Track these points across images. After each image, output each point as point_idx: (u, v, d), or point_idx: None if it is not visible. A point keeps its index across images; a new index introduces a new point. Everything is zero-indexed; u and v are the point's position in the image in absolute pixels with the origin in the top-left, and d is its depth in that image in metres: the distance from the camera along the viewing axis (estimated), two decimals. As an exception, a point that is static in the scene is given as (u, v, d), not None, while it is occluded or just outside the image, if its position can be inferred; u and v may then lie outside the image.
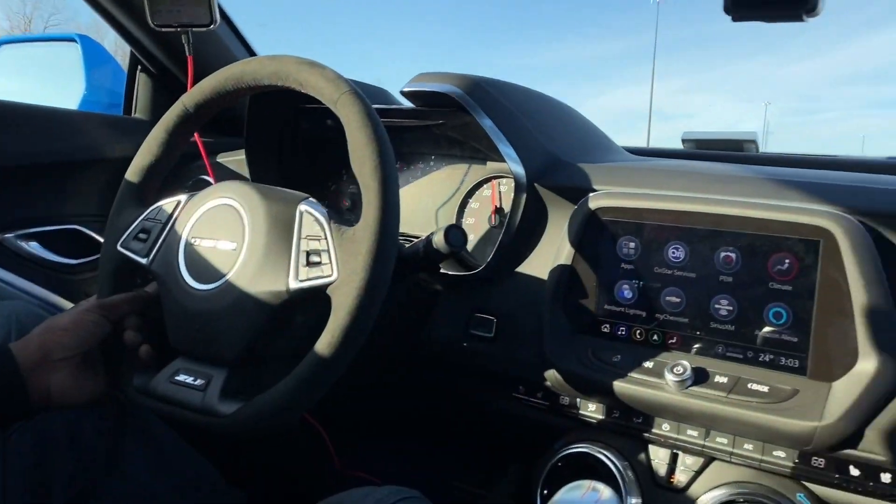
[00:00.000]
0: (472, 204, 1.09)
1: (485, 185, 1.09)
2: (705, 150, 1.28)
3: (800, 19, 0.64)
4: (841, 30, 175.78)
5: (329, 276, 0.64)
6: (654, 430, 0.79)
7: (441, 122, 1.09)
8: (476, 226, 1.08)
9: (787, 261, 0.73)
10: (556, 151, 0.96)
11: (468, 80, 0.96)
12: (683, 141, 1.35)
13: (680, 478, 0.79)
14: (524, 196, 0.90)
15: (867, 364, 0.66)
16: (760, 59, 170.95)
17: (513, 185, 0.91)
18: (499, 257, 0.91)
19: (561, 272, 0.85)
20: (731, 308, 0.75)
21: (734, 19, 0.65)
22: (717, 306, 0.76)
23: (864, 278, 0.69)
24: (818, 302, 0.71)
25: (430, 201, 1.14)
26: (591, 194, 0.86)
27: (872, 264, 0.70)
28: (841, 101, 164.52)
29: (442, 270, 0.94)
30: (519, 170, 0.90)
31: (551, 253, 0.87)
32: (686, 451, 0.79)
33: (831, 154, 1.30)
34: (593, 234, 0.84)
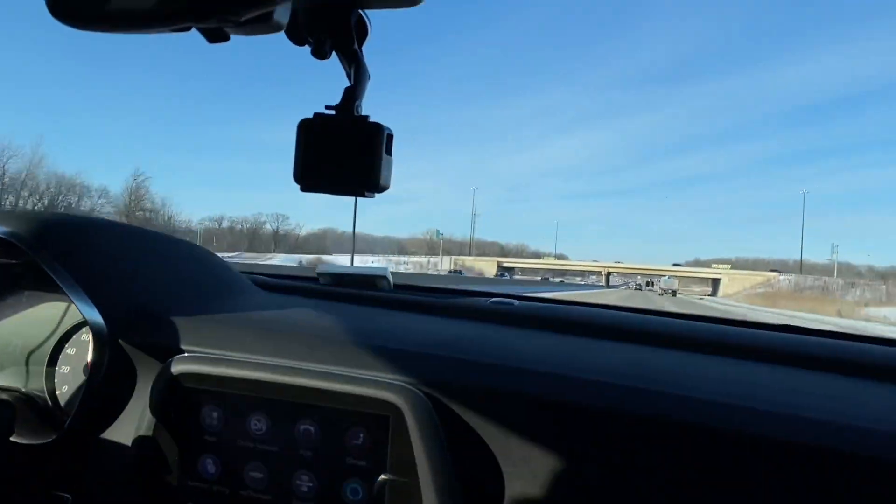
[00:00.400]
0: (69, 350, 0.96)
1: (83, 329, 0.96)
2: (339, 286, 1.31)
3: (362, 195, 0.77)
4: (543, 130, 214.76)
5: None
6: None
7: (16, 262, 0.97)
8: (71, 376, 0.94)
9: (361, 435, 0.73)
10: (148, 302, 0.91)
11: (39, 220, 0.88)
12: (319, 275, 1.37)
13: None
14: (107, 351, 0.83)
15: None
16: (479, 150, 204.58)
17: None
18: (78, 421, 0.82)
19: (141, 443, 0.79)
20: (311, 484, 0.75)
21: (302, 189, 0.76)
22: (298, 482, 0.75)
23: (429, 456, 0.71)
24: (389, 479, 0.72)
25: (19, 343, 0.97)
26: (174, 357, 0.81)
27: (437, 441, 0.72)
28: (542, 190, 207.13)
29: (12, 438, 0.81)
30: (98, 321, 0.83)
31: (136, 420, 0.81)
32: None
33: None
34: (176, 401, 0.79)
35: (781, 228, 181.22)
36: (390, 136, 0.77)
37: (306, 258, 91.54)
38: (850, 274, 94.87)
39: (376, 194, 0.77)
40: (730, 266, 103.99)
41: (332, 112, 0.76)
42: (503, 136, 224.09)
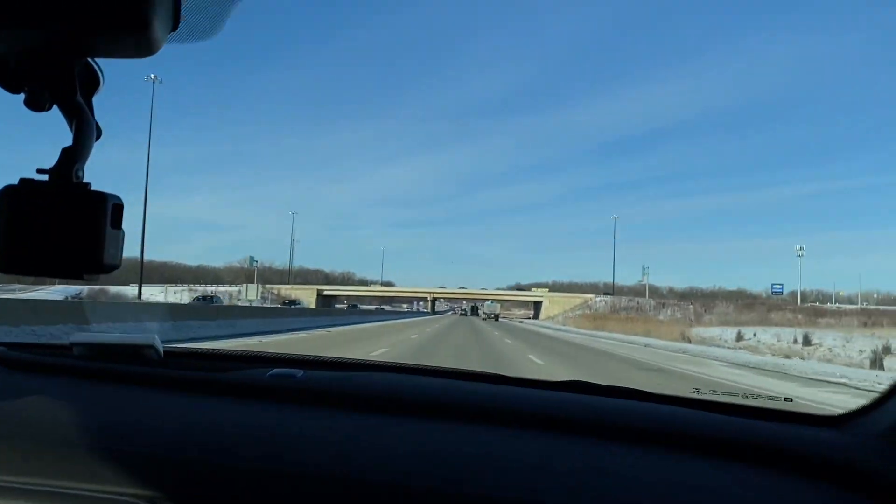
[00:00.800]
0: None
1: None
2: (98, 358, 1.14)
3: (80, 277, 0.66)
4: (368, 160, 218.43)
5: None
6: None
7: None
8: None
9: None
10: None
11: None
12: (73, 345, 1.19)
13: None
14: None
15: None
16: (303, 179, 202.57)
17: None
18: None
19: None
20: None
21: (2, 270, 0.66)
22: None
23: None
24: None
25: None
26: None
27: None
28: (370, 219, 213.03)
29: None
30: None
31: None
32: None
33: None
34: None
35: (591, 254, 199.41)
36: (118, 207, 0.66)
37: (88, 288, 76.45)
38: (655, 295, 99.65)
39: (101, 275, 0.67)
40: (548, 289, 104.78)
41: (45, 177, 0.66)
42: (328, 164, 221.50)
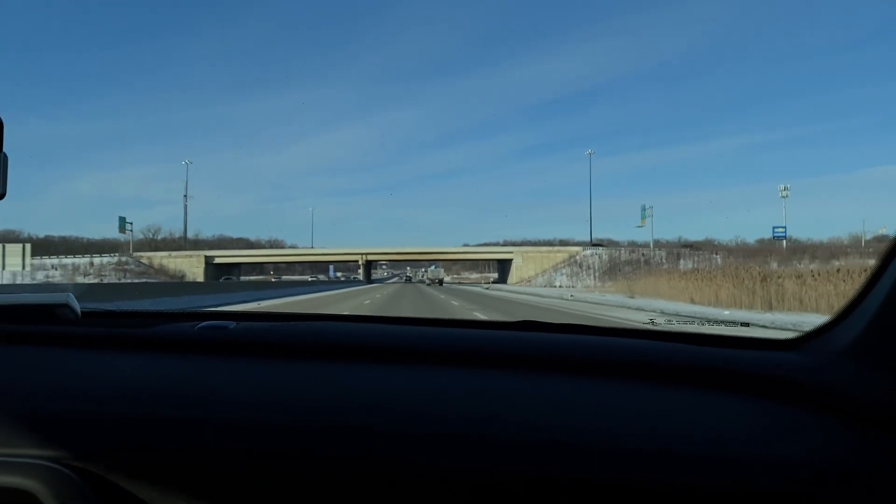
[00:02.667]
0: None
1: None
2: (5, 320, 1.05)
3: None
4: (301, 127, 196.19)
5: None
6: None
7: None
8: None
9: None
10: None
11: None
12: None
13: None
14: None
15: None
16: (234, 149, 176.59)
17: None
18: None
19: None
20: None
21: None
22: None
23: None
24: None
25: None
26: None
27: None
28: (305, 189, 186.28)
29: None
30: None
31: None
32: None
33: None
34: None
35: (553, 214, 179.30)
36: None
37: None
38: (643, 248, 77.23)
39: None
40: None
41: None
42: (259, 133, 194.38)
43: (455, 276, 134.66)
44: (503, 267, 78.33)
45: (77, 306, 1.05)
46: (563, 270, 64.98)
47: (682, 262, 61.49)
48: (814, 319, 12.78)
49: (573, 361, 0.86)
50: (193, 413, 0.73)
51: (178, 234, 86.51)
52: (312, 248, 78.60)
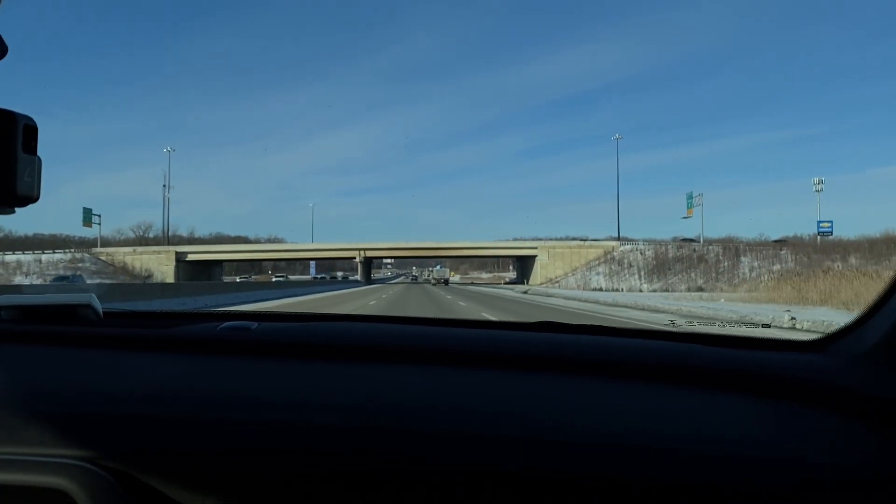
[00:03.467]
0: None
1: None
2: (30, 320, 1.05)
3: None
4: (310, 127, 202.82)
5: None
6: None
7: None
8: None
9: None
10: None
11: None
12: (1, 308, 1.08)
13: None
14: None
15: None
16: (243, 149, 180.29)
17: None
18: None
19: None
20: None
21: None
22: None
23: None
24: None
25: None
26: None
27: None
28: (313, 189, 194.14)
29: None
30: None
31: None
32: None
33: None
34: None
35: (573, 211, 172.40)
36: (31, 129, 0.59)
37: None
38: (688, 246, 66.63)
39: (17, 208, 0.59)
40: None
41: None
42: (268, 134, 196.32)
43: (463, 276, 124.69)
44: (524, 265, 67.83)
45: (99, 307, 1.06)
46: (599, 269, 54.53)
47: (743, 259, 50.96)
48: None
49: (593, 362, 0.86)
50: (220, 413, 0.73)
51: (177, 232, 77.14)
52: (297, 243, 67.76)
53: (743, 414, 0.75)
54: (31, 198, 0.59)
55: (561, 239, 63.34)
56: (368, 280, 69.51)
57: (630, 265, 53.17)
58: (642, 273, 50.94)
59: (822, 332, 0.87)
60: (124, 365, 0.89)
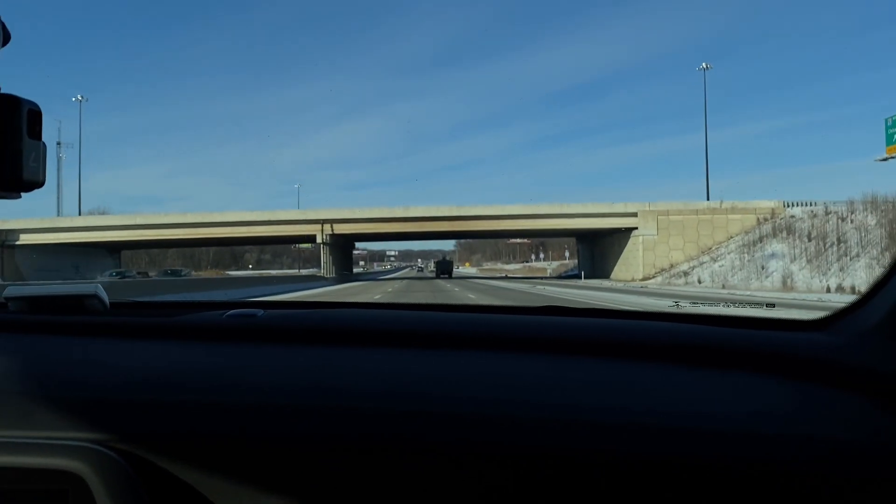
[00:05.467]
0: None
1: None
2: (37, 311, 1.07)
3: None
4: (314, 121, 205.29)
5: None
6: None
7: None
8: None
9: None
10: None
11: None
12: (7, 300, 1.10)
13: None
14: None
15: None
16: (248, 143, 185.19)
17: None
18: None
19: None
20: None
21: None
22: None
23: None
24: None
25: None
26: None
27: None
28: (320, 183, 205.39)
29: None
30: None
31: None
32: None
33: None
34: None
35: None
36: (35, 114, 0.59)
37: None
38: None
39: (22, 193, 0.60)
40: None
41: None
42: (272, 128, 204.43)
43: (479, 268, 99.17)
44: (595, 247, 41.58)
45: (105, 297, 1.07)
46: (770, 248, 28.38)
47: None
48: None
49: (599, 343, 0.87)
50: (227, 396, 0.74)
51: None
52: (208, 213, 38.37)
53: (751, 391, 0.76)
54: (37, 183, 0.59)
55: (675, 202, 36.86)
56: (346, 274, 44.10)
57: (826, 240, 27.06)
58: (879, 251, 24.77)
59: (828, 311, 0.88)
60: (133, 351, 0.91)
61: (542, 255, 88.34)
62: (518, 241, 72.11)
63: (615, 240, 36.41)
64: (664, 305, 11.33)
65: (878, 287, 0.79)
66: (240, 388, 0.76)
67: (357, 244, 62.59)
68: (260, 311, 1.02)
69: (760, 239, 29.80)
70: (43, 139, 0.57)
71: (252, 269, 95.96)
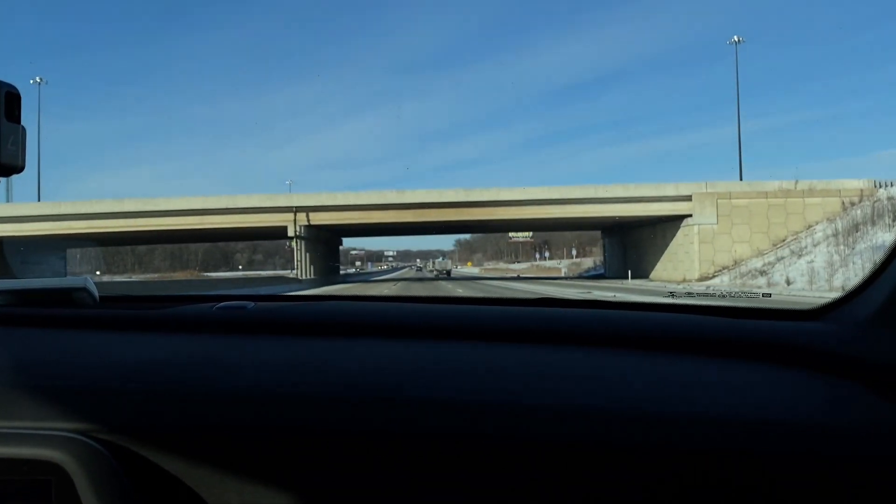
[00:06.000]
0: None
1: None
2: (23, 305, 1.06)
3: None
4: (312, 122, 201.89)
5: None
6: None
7: None
8: None
9: None
10: None
11: None
12: None
13: None
14: None
15: None
16: (246, 144, 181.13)
17: None
18: None
19: None
20: None
21: None
22: None
23: None
24: None
25: None
26: None
27: (119, 499, 0.64)
28: (321, 183, 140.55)
29: None
30: None
31: None
32: None
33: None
34: None
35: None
36: (14, 97, 0.58)
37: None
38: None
39: (1, 178, 0.59)
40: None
41: None
42: (270, 128, 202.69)
43: (482, 268, 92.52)
44: (629, 241, 34.66)
45: (95, 290, 1.07)
46: (876, 238, 21.52)
47: None
48: None
49: (596, 334, 0.87)
50: (215, 387, 0.74)
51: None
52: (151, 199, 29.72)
53: (748, 380, 0.76)
54: (15, 167, 0.58)
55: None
56: (329, 275, 36.71)
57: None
58: None
59: (824, 301, 0.89)
60: (119, 342, 0.90)
61: (546, 254, 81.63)
62: (521, 239, 65.25)
63: (657, 231, 29.62)
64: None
65: (874, 276, 0.79)
66: (226, 378, 0.76)
67: (346, 240, 55.28)
68: (250, 304, 1.03)
69: (856, 227, 22.93)
70: (22, 123, 0.55)
71: (242, 269, 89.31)
